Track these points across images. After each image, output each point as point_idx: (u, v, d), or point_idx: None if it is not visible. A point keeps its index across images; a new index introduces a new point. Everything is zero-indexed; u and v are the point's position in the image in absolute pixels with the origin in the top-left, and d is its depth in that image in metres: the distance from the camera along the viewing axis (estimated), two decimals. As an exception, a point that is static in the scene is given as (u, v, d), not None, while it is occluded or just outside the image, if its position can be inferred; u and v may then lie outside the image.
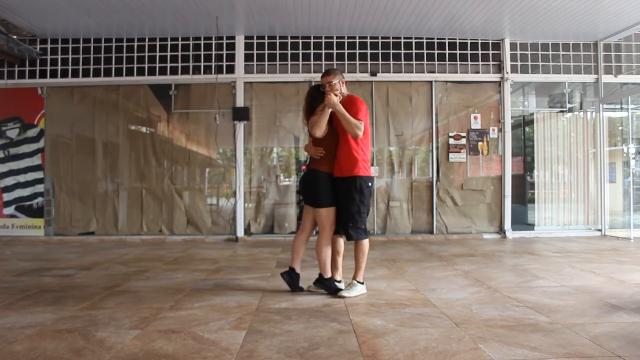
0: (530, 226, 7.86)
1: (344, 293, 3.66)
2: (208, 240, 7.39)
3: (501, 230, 7.63)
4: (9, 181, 7.63)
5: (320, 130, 3.65)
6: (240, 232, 7.48)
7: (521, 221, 7.90)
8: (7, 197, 7.62)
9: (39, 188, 7.60)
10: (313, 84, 7.53)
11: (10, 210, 7.62)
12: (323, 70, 7.54)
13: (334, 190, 3.74)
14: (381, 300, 3.56)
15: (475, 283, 4.15)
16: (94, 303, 3.51)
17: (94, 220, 7.59)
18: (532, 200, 7.88)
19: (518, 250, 6.22)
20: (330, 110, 3.65)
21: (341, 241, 3.80)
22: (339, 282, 3.83)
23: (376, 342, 2.62)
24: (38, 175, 7.62)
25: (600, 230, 7.73)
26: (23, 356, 2.42)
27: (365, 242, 3.75)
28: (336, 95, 3.66)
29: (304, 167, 7.80)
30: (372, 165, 7.62)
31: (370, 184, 3.72)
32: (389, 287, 4.00)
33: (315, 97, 3.78)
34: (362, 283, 3.77)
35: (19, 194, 7.61)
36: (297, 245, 3.87)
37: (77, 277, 4.52)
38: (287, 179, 7.84)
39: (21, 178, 7.63)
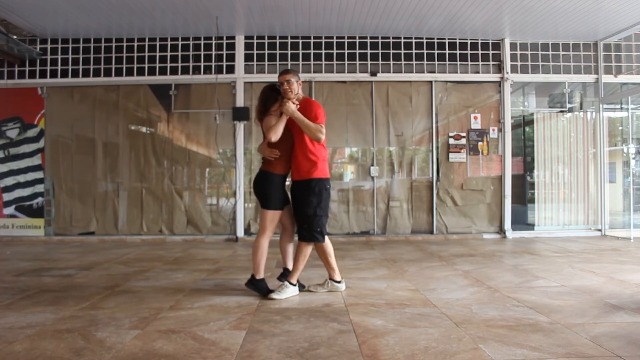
0: (530, 226, 7.86)
1: (274, 295, 3.62)
2: (208, 240, 7.39)
3: (501, 230, 7.63)
4: (9, 181, 7.63)
5: (277, 135, 3.63)
6: (240, 232, 7.48)
7: (521, 221, 7.90)
8: (7, 197, 7.62)
9: (39, 188, 7.60)
10: (313, 84, 7.56)
11: (10, 210, 7.62)
12: (323, 71, 7.65)
13: (284, 193, 3.76)
14: (381, 300, 3.56)
15: (475, 283, 4.15)
16: (94, 303, 3.51)
17: (94, 220, 7.59)
18: (532, 200, 7.88)
19: (518, 250, 6.22)
20: (287, 117, 3.63)
21: (328, 242, 3.79)
22: (339, 282, 3.82)
23: (376, 342, 2.62)
24: (38, 175, 7.62)
25: (600, 230, 7.73)
26: (23, 356, 2.42)
27: (325, 244, 3.72)
28: (291, 97, 3.64)
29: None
30: (372, 165, 7.63)
31: (328, 186, 3.70)
32: (389, 287, 4.00)
33: (269, 96, 3.76)
34: (295, 285, 3.73)
35: (19, 194, 7.61)
36: (284, 246, 3.92)
37: (77, 277, 4.52)
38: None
39: (21, 178, 7.63)
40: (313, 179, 3.63)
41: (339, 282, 3.83)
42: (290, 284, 3.71)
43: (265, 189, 3.70)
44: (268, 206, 3.69)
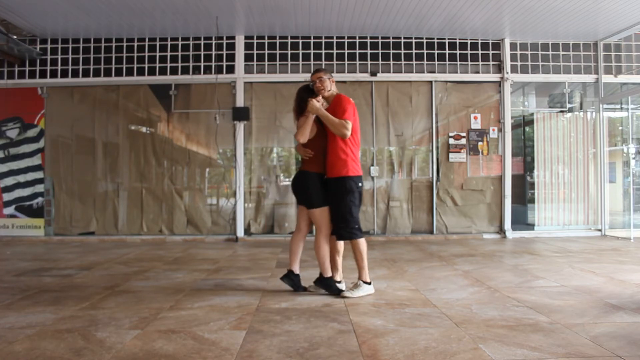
0: (530, 226, 7.86)
1: (347, 293, 3.64)
2: (208, 240, 7.39)
3: (501, 230, 7.63)
4: (9, 181, 7.63)
5: (304, 136, 3.67)
6: (240, 232, 7.48)
7: (521, 221, 7.90)
8: (7, 197, 7.62)
9: (39, 188, 7.60)
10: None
11: (10, 210, 7.62)
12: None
13: (325, 190, 3.74)
14: (381, 300, 3.56)
15: (475, 283, 4.15)
16: (94, 303, 3.51)
17: (94, 220, 7.59)
18: (532, 200, 7.88)
19: (518, 250, 6.22)
20: (314, 115, 3.67)
21: (340, 241, 3.79)
22: (339, 282, 3.82)
23: (376, 342, 2.62)
24: (38, 175, 7.62)
25: (600, 230, 7.73)
26: (23, 356, 2.42)
27: (361, 242, 3.70)
28: (322, 94, 3.69)
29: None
30: (372, 165, 7.63)
31: (360, 183, 3.71)
32: (389, 287, 4.00)
33: (304, 97, 3.79)
34: (369, 283, 3.74)
35: (19, 194, 7.61)
36: (294, 247, 3.86)
37: (77, 277, 4.52)
38: (287, 179, 7.83)
39: (21, 178, 7.63)
40: (345, 177, 3.64)
41: (369, 283, 3.80)
42: (364, 282, 3.71)
43: (304, 189, 3.74)
44: (313, 205, 3.71)
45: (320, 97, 3.73)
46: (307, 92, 3.81)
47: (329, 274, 3.74)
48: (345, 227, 3.64)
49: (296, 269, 3.84)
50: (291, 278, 3.82)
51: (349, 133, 3.61)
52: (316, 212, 3.71)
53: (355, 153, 3.73)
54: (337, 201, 3.67)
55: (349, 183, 3.64)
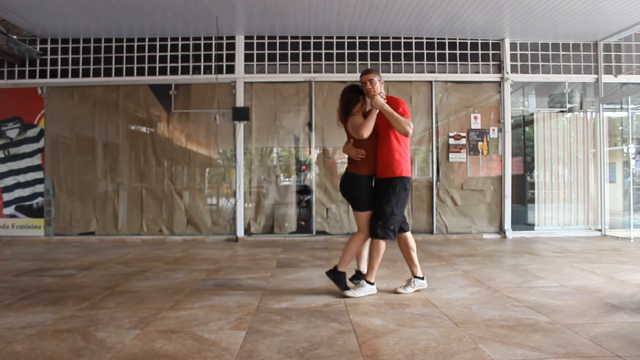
0: (530, 226, 7.86)
1: (349, 293, 3.64)
2: (208, 240, 7.39)
3: (501, 230, 7.63)
4: (9, 181, 7.63)
5: (369, 131, 3.60)
6: (240, 232, 7.48)
7: (521, 221, 7.89)
8: (7, 197, 7.62)
9: (39, 188, 7.60)
10: (313, 84, 7.55)
11: (10, 210, 7.61)
12: (323, 71, 7.64)
13: (373, 193, 3.72)
14: (381, 300, 3.56)
15: (475, 283, 4.15)
16: (94, 303, 3.51)
17: (94, 220, 7.59)
18: (532, 200, 7.88)
19: (518, 250, 6.22)
20: (377, 111, 3.62)
21: (411, 237, 3.81)
22: (422, 278, 3.83)
23: (376, 342, 2.62)
24: (38, 175, 7.62)
25: (600, 230, 7.73)
26: (23, 356, 2.42)
27: (384, 244, 3.69)
28: (382, 96, 3.65)
29: (304, 167, 7.80)
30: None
31: (408, 185, 3.70)
32: (389, 287, 4.00)
33: (350, 98, 3.75)
34: (372, 284, 3.74)
35: (19, 194, 7.61)
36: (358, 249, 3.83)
37: (77, 277, 4.52)
38: (287, 179, 7.84)
39: (21, 178, 7.63)
40: (396, 177, 3.62)
41: (422, 278, 3.81)
42: (368, 282, 3.71)
43: (353, 192, 3.71)
44: (360, 208, 3.69)
45: (380, 92, 3.66)
46: (354, 92, 3.76)
47: (344, 269, 3.73)
48: (382, 226, 3.61)
49: (363, 269, 3.85)
50: (334, 273, 3.76)
51: (411, 131, 3.60)
52: (362, 214, 3.69)
53: (408, 154, 3.72)
54: (382, 200, 3.63)
55: (401, 184, 3.63)
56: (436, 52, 7.68)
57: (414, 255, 3.85)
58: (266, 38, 7.62)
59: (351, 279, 3.89)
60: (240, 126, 7.54)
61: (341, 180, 3.85)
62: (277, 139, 7.79)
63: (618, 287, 3.93)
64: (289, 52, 7.63)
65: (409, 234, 3.84)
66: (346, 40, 7.64)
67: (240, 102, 7.53)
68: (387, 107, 3.57)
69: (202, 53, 7.61)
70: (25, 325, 2.95)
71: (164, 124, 7.70)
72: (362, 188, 3.69)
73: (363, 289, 3.68)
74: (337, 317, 3.10)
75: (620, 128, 8.81)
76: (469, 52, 7.71)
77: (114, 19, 6.81)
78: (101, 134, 7.65)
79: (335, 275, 3.73)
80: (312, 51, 7.62)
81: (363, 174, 3.71)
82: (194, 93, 7.68)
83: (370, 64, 7.60)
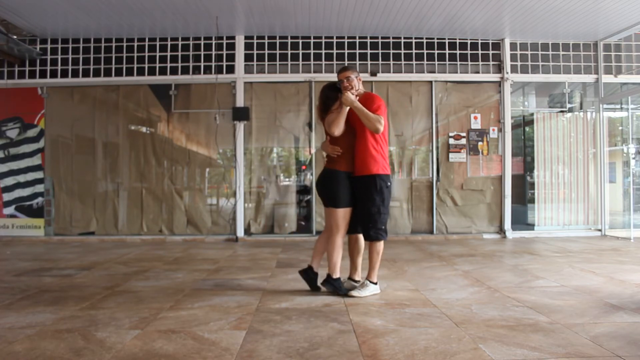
0: (530, 226, 7.86)
1: (354, 293, 3.62)
2: (208, 240, 7.39)
3: (501, 230, 7.63)
4: (9, 181, 7.63)
5: (339, 128, 3.59)
6: (240, 232, 7.48)
7: (521, 221, 7.89)
8: (7, 197, 7.62)
9: (39, 188, 7.60)
10: (313, 84, 7.55)
11: (10, 210, 7.61)
12: (323, 71, 7.65)
13: (351, 190, 3.68)
14: (381, 300, 3.56)
15: (475, 283, 4.15)
16: (94, 303, 3.51)
17: (94, 220, 7.59)
18: (532, 200, 7.88)
19: (518, 250, 6.22)
20: (348, 108, 3.59)
21: (362, 241, 3.76)
22: (357, 281, 3.81)
23: (376, 342, 2.62)
24: (38, 175, 7.62)
25: (600, 230, 7.73)
26: (23, 356, 2.42)
27: (381, 243, 3.68)
28: (353, 92, 3.61)
29: (304, 167, 7.80)
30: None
31: (389, 183, 3.67)
32: (389, 287, 4.00)
33: (329, 96, 3.74)
34: (376, 283, 3.73)
35: (19, 194, 7.61)
36: (320, 246, 3.81)
37: (77, 277, 4.52)
38: (287, 179, 7.84)
39: (21, 178, 7.63)
40: (374, 175, 3.58)
41: (375, 283, 3.76)
42: (371, 282, 3.69)
43: (332, 188, 3.67)
44: (337, 205, 3.65)
45: (357, 89, 3.64)
46: (332, 90, 3.75)
47: (337, 275, 3.69)
48: (373, 227, 3.60)
49: (315, 265, 3.81)
50: (331, 283, 3.70)
51: (382, 128, 3.54)
52: (339, 212, 3.64)
53: (385, 151, 3.69)
54: (366, 200, 3.60)
55: (380, 182, 3.59)
56: (436, 52, 7.68)
57: (359, 260, 3.80)
58: (266, 38, 7.62)
59: (300, 272, 3.82)
60: (240, 126, 7.54)
61: (319, 177, 3.80)
62: (277, 139, 7.79)
63: (618, 287, 3.93)
64: (289, 52, 7.63)
65: (360, 236, 3.76)
66: (346, 40, 7.64)
67: (240, 102, 7.53)
68: (357, 104, 3.54)
69: (202, 53, 7.61)
70: (25, 325, 2.94)
71: (164, 124, 7.70)
72: (342, 184, 3.65)
73: (367, 288, 3.67)
74: (337, 317, 3.09)
75: (620, 128, 8.81)
76: (469, 52, 7.71)
77: (114, 19, 6.81)
78: (101, 134, 7.65)
79: (332, 283, 3.69)
80: (312, 51, 7.62)
81: (342, 170, 3.68)
82: (194, 93, 7.68)
83: (371, 64, 7.61)
